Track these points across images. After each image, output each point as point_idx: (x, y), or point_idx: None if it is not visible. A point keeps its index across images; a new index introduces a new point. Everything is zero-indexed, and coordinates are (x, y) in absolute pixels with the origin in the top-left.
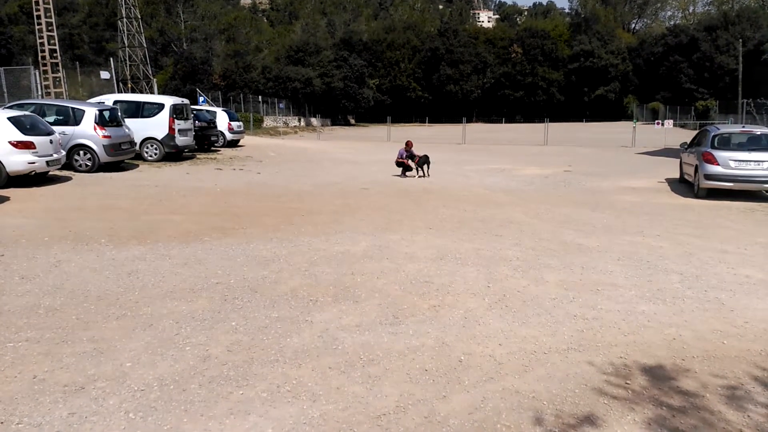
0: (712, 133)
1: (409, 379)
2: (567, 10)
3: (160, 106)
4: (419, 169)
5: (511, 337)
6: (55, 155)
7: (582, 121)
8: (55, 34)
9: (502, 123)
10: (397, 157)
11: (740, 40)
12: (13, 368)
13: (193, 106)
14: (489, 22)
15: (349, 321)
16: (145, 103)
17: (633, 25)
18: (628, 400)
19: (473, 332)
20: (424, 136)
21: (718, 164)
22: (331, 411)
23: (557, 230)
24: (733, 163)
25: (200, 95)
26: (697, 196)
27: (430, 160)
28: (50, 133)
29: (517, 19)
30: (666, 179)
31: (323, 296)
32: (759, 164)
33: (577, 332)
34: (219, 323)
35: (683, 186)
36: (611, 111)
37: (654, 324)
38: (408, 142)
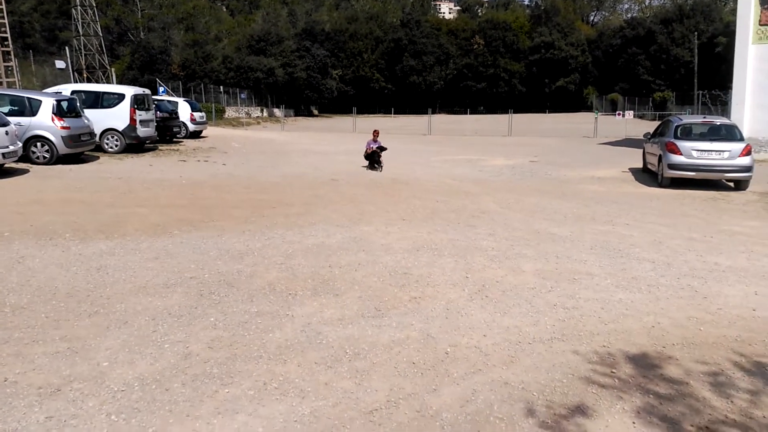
0: (675, 124)
1: (397, 372)
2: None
3: (121, 97)
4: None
5: (495, 328)
6: (11, 147)
7: (544, 112)
8: (5, 21)
9: (465, 114)
10: (366, 149)
11: (695, 33)
12: None
13: (153, 97)
14: (450, 13)
15: (330, 314)
16: (104, 93)
17: (592, 18)
18: (616, 389)
19: (456, 323)
20: (390, 127)
21: (681, 154)
22: (321, 407)
23: (529, 220)
24: (695, 152)
25: (160, 85)
26: (660, 186)
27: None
28: (5, 124)
29: (479, 10)
30: (629, 169)
31: (302, 290)
32: (720, 154)
33: (559, 321)
34: (197, 319)
35: (646, 175)
36: (572, 102)
37: (632, 312)
38: (375, 131)
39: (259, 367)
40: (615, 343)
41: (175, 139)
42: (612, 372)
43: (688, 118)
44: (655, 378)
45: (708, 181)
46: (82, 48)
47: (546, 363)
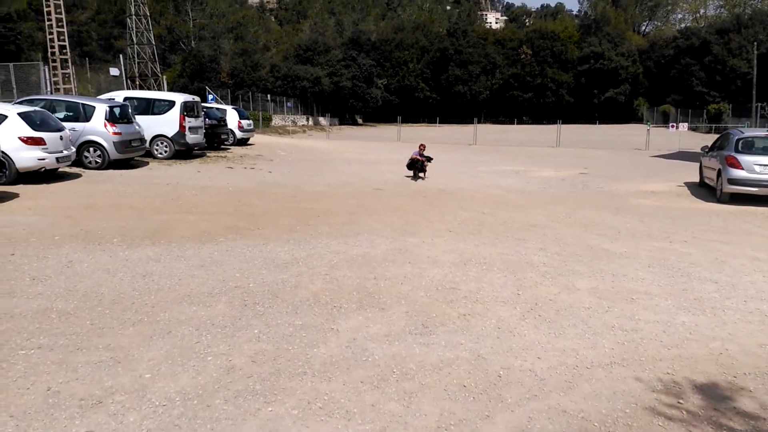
0: (736, 137)
1: (447, 396)
2: (575, 12)
3: (171, 103)
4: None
5: (550, 350)
6: (65, 152)
7: (593, 123)
8: (65, 30)
9: (510, 124)
10: (411, 158)
11: (755, 44)
12: (26, 379)
13: (203, 104)
14: (497, 23)
15: (376, 330)
16: (155, 100)
17: (643, 28)
18: (685, 422)
19: (509, 344)
20: (434, 136)
21: (743, 168)
22: (368, 431)
23: (581, 234)
24: (757, 167)
25: (209, 93)
26: (719, 201)
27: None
28: (60, 129)
29: (526, 20)
30: (685, 183)
31: (347, 302)
32: None
33: (618, 345)
34: (241, 331)
35: (703, 190)
36: (621, 113)
37: (697, 336)
38: (421, 145)
39: (303, 385)
40: (680, 370)
41: (222, 146)
42: (679, 403)
43: (749, 131)
44: (727, 411)
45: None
46: (136, 56)
47: (606, 390)
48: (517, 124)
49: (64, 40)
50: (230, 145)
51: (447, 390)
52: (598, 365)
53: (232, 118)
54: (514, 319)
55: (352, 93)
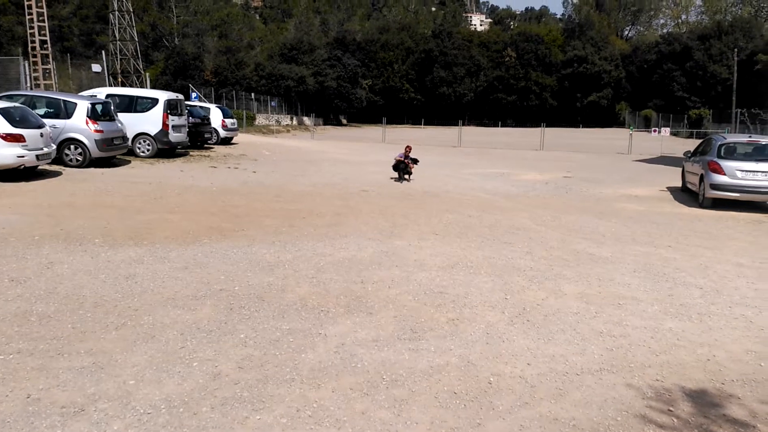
0: (718, 142)
1: (438, 403)
2: (559, 16)
3: (154, 101)
4: (405, 174)
5: (539, 356)
6: (46, 149)
7: (576, 127)
8: (46, 24)
9: (494, 126)
10: (396, 159)
11: (735, 50)
12: (5, 385)
13: (186, 102)
14: (481, 25)
15: (365, 335)
16: (138, 97)
17: (626, 32)
18: (676, 430)
19: (498, 350)
20: (419, 137)
21: (725, 174)
22: None
23: (566, 238)
24: (740, 173)
25: (193, 91)
26: (702, 206)
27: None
28: (41, 126)
29: (510, 23)
30: (667, 187)
31: (334, 307)
32: (766, 175)
33: (607, 351)
34: (227, 335)
35: (686, 195)
36: (603, 117)
37: (684, 343)
38: (407, 146)
39: (291, 392)
40: (669, 376)
41: (206, 145)
42: (669, 410)
43: (732, 137)
44: (717, 419)
45: (751, 203)
46: (118, 52)
47: (597, 397)
48: (501, 126)
49: (45, 35)
50: (214, 144)
51: (437, 397)
52: (587, 372)
53: (216, 117)
54: (503, 324)
55: (336, 93)
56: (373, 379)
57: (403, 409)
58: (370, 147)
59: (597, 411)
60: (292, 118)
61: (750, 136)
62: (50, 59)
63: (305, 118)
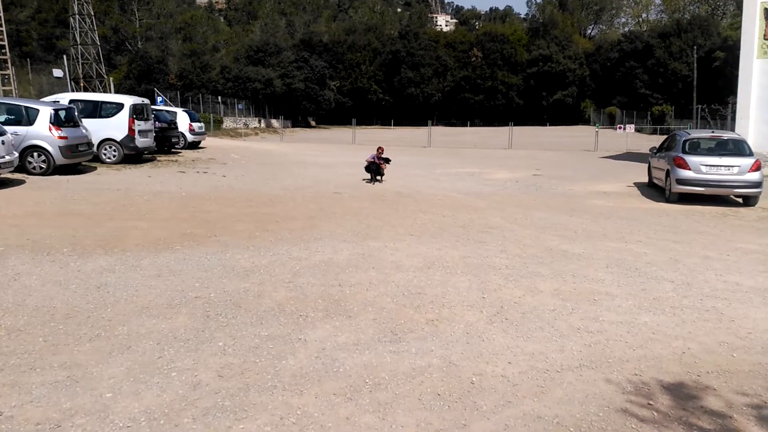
0: (683, 138)
1: (422, 405)
2: (523, 16)
3: (119, 106)
4: (377, 176)
5: (519, 354)
6: (7, 157)
7: (542, 125)
8: (3, 29)
9: (462, 126)
10: (369, 161)
11: (694, 48)
12: None
13: (152, 107)
14: (447, 26)
15: (345, 339)
16: (103, 102)
17: (589, 31)
18: (657, 423)
19: (479, 349)
20: (388, 138)
21: (690, 169)
22: None
23: (539, 236)
24: (704, 167)
25: (158, 95)
26: (668, 201)
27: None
28: (2, 133)
29: (476, 23)
30: (634, 183)
31: (313, 311)
32: (729, 169)
33: (585, 347)
34: (204, 344)
35: (653, 190)
36: (569, 115)
37: (659, 336)
38: (379, 147)
39: (274, 399)
40: (647, 370)
41: (173, 150)
42: (649, 404)
43: (696, 133)
44: (696, 411)
45: (716, 197)
46: (80, 57)
47: (578, 394)
48: (469, 126)
49: (2, 40)
50: (181, 148)
51: (421, 399)
52: (567, 368)
53: (183, 121)
54: (482, 323)
55: (304, 95)
56: (355, 384)
57: (387, 413)
58: (341, 149)
59: (579, 407)
60: (260, 121)
61: (713, 132)
62: (9, 64)
63: (273, 121)
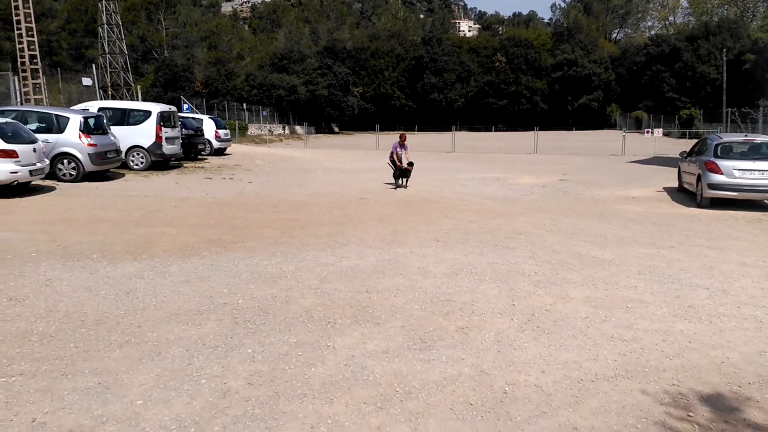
0: (714, 142)
1: (454, 415)
2: (547, 20)
3: (147, 114)
4: (402, 178)
5: (552, 363)
6: (39, 164)
7: (567, 130)
8: (35, 39)
9: (486, 131)
10: (392, 152)
11: (723, 50)
12: (8, 409)
13: (179, 114)
14: (470, 31)
15: (374, 346)
16: (131, 110)
17: (615, 35)
18: None
19: (511, 358)
20: (413, 144)
21: (722, 173)
22: None
23: (568, 242)
24: (737, 172)
25: (185, 103)
26: (700, 206)
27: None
28: (33, 141)
29: (499, 28)
30: (664, 188)
31: (341, 317)
32: (763, 173)
33: (620, 356)
34: (233, 350)
35: (683, 195)
36: (594, 119)
37: (696, 345)
38: (402, 134)
39: (304, 407)
40: (684, 381)
41: (199, 157)
42: (689, 416)
43: (727, 137)
44: (738, 424)
45: (749, 202)
46: (108, 66)
47: (615, 404)
48: (493, 131)
49: (34, 50)
50: (207, 155)
51: (453, 409)
52: (602, 378)
53: (209, 128)
54: (513, 331)
55: (328, 101)
56: (386, 392)
57: (419, 423)
58: (364, 154)
59: (616, 418)
60: (284, 128)
61: (746, 135)
62: (40, 74)
63: (297, 127)
